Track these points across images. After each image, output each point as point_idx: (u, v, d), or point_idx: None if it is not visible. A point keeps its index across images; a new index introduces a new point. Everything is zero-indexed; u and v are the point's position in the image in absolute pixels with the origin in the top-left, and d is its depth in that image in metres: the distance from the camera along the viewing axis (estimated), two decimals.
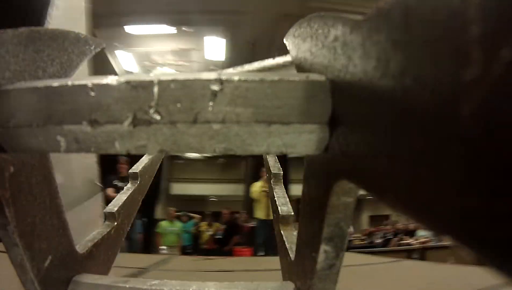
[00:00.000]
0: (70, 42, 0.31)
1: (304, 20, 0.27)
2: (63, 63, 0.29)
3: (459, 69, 0.08)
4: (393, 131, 0.12)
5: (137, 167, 0.45)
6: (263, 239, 3.14)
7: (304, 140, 0.19)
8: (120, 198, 0.40)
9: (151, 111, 0.18)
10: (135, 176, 0.44)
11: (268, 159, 0.47)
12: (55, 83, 0.20)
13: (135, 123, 0.18)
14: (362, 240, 5.19)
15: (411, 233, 4.44)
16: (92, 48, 0.35)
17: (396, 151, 0.12)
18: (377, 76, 0.13)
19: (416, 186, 0.11)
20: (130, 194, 0.41)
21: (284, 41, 0.35)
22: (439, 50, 0.09)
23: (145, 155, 0.48)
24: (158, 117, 0.18)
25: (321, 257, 0.23)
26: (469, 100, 0.08)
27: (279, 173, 0.44)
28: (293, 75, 0.19)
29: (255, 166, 4.17)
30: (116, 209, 0.38)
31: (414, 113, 0.11)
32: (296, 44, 0.29)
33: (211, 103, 0.18)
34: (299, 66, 0.27)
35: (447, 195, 0.09)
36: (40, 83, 0.20)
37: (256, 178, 3.41)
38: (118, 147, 0.20)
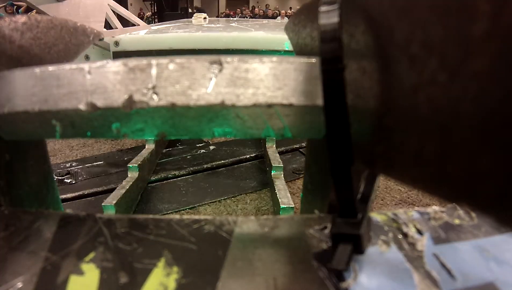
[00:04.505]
0: (68, 32, 0.30)
1: (303, 8, 0.27)
2: (60, 51, 0.29)
3: (467, 25, 0.08)
4: (399, 101, 0.12)
5: (137, 161, 0.44)
6: None
7: (306, 122, 0.19)
8: (119, 192, 0.40)
9: (149, 92, 0.18)
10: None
11: (268, 152, 0.47)
12: (52, 67, 0.19)
13: (133, 105, 0.18)
14: None
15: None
16: (90, 38, 0.34)
17: (401, 123, 0.12)
18: (381, 47, 0.13)
19: (424, 154, 0.10)
20: (129, 187, 0.41)
21: (284, 30, 0.34)
22: (446, 9, 0.09)
23: (144, 149, 0.47)
24: (156, 99, 0.18)
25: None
26: (481, 55, 0.08)
27: (280, 167, 0.44)
28: (294, 58, 0.19)
29: None
30: (114, 202, 0.38)
31: (422, 79, 0.10)
32: (297, 32, 0.28)
33: (210, 84, 0.18)
34: (300, 52, 0.27)
35: (459, 160, 0.09)
36: (36, 68, 0.20)
37: None
38: (115, 131, 0.19)
